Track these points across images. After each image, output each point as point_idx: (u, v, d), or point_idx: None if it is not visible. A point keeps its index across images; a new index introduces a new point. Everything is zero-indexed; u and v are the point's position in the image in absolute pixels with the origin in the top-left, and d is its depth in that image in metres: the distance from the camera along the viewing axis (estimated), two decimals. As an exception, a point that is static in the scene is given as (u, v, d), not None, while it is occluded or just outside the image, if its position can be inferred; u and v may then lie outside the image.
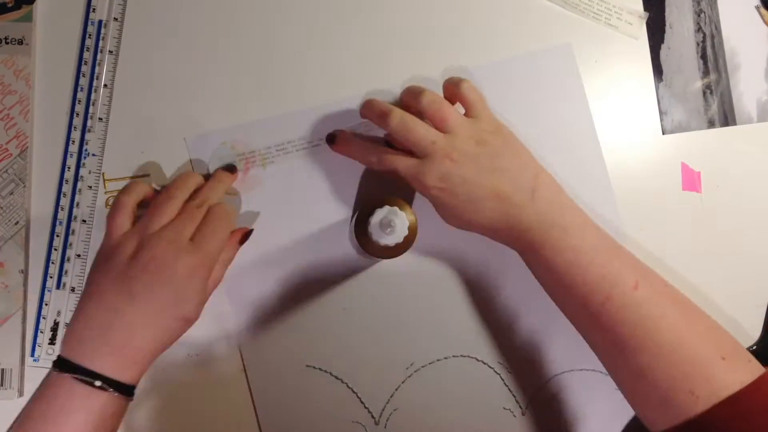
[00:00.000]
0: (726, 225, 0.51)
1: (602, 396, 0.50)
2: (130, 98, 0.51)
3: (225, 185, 0.49)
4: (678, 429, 0.39)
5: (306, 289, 0.50)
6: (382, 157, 0.46)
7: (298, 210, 0.50)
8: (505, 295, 0.50)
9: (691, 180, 0.52)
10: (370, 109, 0.47)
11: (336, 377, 0.50)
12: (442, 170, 0.43)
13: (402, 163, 0.44)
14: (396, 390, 0.50)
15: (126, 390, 0.41)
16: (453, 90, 0.46)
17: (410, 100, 0.46)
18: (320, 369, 0.50)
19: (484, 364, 0.50)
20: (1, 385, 0.49)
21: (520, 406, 0.50)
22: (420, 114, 0.45)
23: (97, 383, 0.40)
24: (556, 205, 0.43)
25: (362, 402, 0.50)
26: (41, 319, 0.50)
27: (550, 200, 0.43)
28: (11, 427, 0.41)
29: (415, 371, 0.50)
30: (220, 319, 0.50)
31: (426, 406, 0.50)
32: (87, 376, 0.40)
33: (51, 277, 0.50)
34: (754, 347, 0.51)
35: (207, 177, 0.49)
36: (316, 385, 0.50)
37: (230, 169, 0.49)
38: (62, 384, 0.40)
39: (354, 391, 0.50)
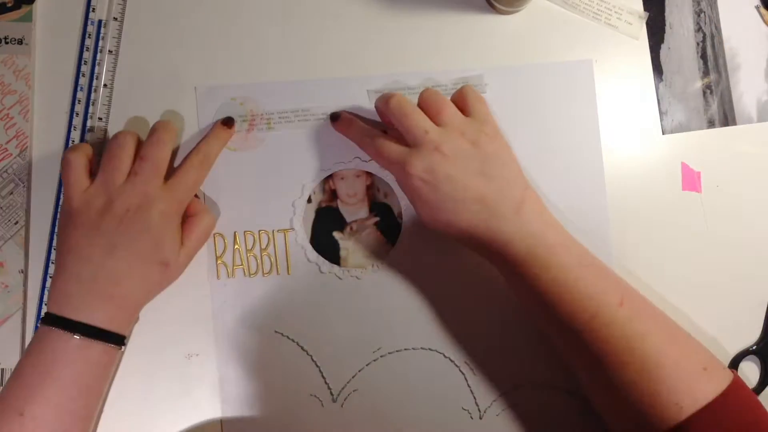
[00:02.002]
0: (726, 225, 0.51)
1: (561, 416, 0.50)
2: (130, 98, 0.51)
3: (221, 140, 0.49)
4: None
5: (287, 257, 0.50)
6: (375, 141, 0.45)
7: (288, 181, 0.51)
8: (484, 297, 0.50)
9: (691, 180, 0.52)
10: (382, 99, 0.47)
11: (302, 348, 0.50)
12: (430, 162, 0.42)
13: (391, 149, 0.44)
14: (359, 371, 0.50)
15: (117, 339, 0.43)
16: (455, 94, 0.47)
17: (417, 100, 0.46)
18: (288, 337, 0.50)
19: (451, 361, 0.50)
20: (1, 385, 0.49)
21: (479, 410, 0.50)
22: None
23: (90, 334, 0.41)
24: (541, 222, 0.43)
25: (324, 377, 0.50)
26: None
27: (535, 216, 0.43)
28: (6, 386, 0.42)
29: (381, 356, 0.50)
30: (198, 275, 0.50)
31: (386, 392, 0.50)
32: (80, 328, 0.41)
33: (51, 277, 0.50)
34: (754, 347, 0.51)
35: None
36: (280, 352, 0.50)
37: (228, 122, 0.49)
38: (56, 338, 0.41)
39: (317, 365, 0.50)
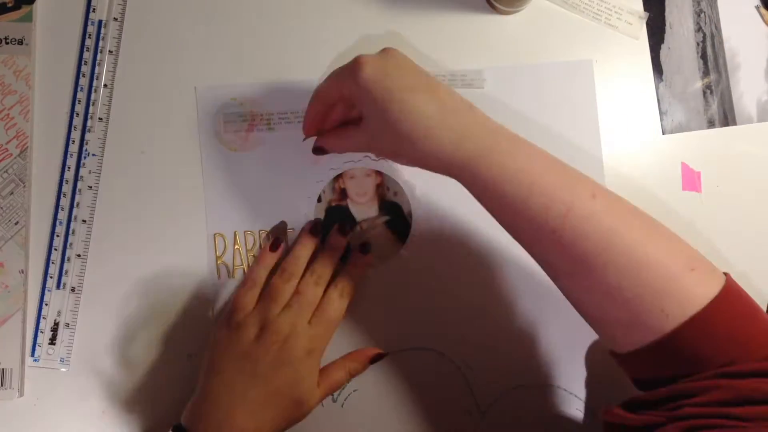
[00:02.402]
0: (726, 225, 0.51)
1: (561, 416, 0.50)
2: (130, 98, 0.51)
3: (338, 251, 0.49)
4: (647, 349, 0.37)
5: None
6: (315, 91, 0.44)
7: (289, 181, 0.51)
8: (484, 296, 0.50)
9: (691, 180, 0.52)
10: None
11: None
12: (381, 59, 0.40)
13: (341, 69, 0.42)
14: None
15: None
16: None
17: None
18: None
19: (451, 361, 0.50)
20: (1, 385, 0.49)
21: (479, 410, 0.50)
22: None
23: None
24: (489, 118, 0.40)
25: None
26: (41, 319, 0.50)
27: (483, 114, 0.41)
28: None
29: None
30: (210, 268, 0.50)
31: (386, 392, 0.50)
32: None
33: (51, 277, 0.50)
34: (754, 347, 0.51)
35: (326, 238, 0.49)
36: None
37: (342, 230, 0.50)
38: None
39: None
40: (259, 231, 0.50)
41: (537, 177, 0.38)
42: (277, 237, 0.49)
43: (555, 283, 0.41)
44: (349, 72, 0.40)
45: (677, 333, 0.36)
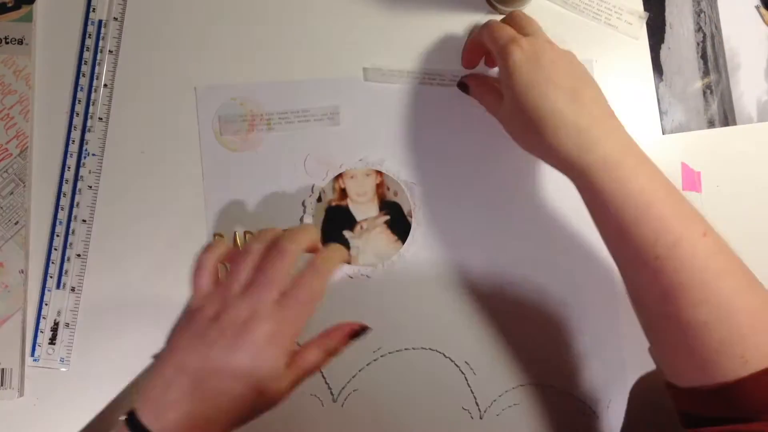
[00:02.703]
0: (726, 225, 0.51)
1: (561, 416, 0.50)
2: (130, 98, 0.51)
3: (340, 253, 0.44)
4: (714, 389, 0.37)
5: None
6: (488, 23, 0.46)
7: (288, 181, 0.51)
8: (484, 297, 0.50)
9: (691, 180, 0.52)
10: (477, 30, 0.47)
11: None
12: (537, 44, 0.42)
13: (503, 29, 0.44)
14: (359, 371, 0.50)
15: None
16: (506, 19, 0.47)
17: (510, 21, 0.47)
18: None
19: (451, 361, 0.50)
20: (1, 385, 0.49)
21: (479, 410, 0.50)
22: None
23: None
24: (625, 132, 0.42)
25: (324, 377, 0.50)
26: (41, 319, 0.50)
27: (622, 129, 0.42)
28: None
29: (381, 356, 0.50)
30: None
31: (386, 392, 0.50)
32: None
33: (51, 277, 0.50)
34: (754, 347, 0.51)
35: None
36: None
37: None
38: None
39: None
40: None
41: (655, 201, 0.39)
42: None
43: (632, 303, 0.41)
44: (500, 53, 0.43)
45: (750, 379, 0.36)
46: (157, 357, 0.42)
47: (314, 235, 0.43)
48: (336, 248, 0.44)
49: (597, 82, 0.43)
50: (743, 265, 0.40)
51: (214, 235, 0.50)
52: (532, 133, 0.42)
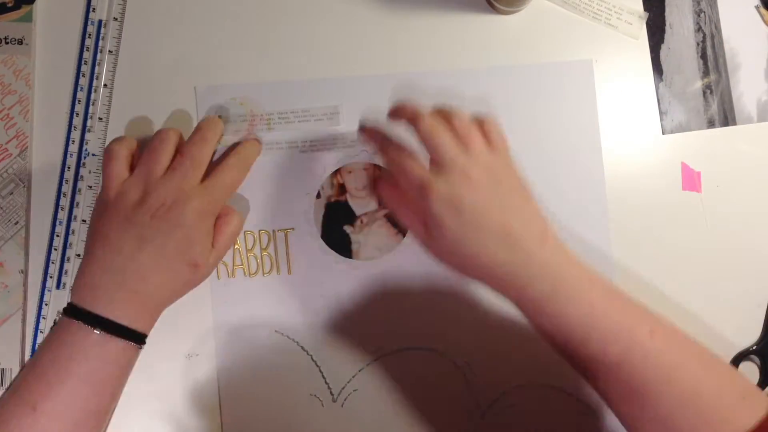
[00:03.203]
0: (726, 225, 0.51)
1: (561, 416, 0.50)
2: (130, 98, 0.51)
3: (257, 147, 0.49)
4: None
5: (288, 256, 0.51)
6: (400, 154, 0.42)
7: (288, 181, 0.51)
8: (484, 295, 0.50)
9: (691, 180, 0.52)
10: (402, 109, 0.43)
11: (302, 348, 0.50)
12: (456, 187, 0.39)
13: (415, 167, 0.41)
14: (359, 371, 0.50)
15: (138, 338, 0.42)
16: (477, 124, 0.43)
17: (441, 118, 0.42)
18: (288, 337, 0.50)
19: (451, 361, 0.50)
20: (1, 385, 0.49)
21: (480, 409, 0.50)
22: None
23: (111, 330, 0.40)
24: (564, 256, 0.41)
25: (324, 377, 0.50)
26: (41, 319, 0.50)
27: (558, 251, 0.41)
28: (21, 376, 0.41)
29: (381, 356, 0.50)
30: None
31: (385, 392, 0.50)
32: (101, 323, 0.40)
33: (51, 277, 0.50)
34: (754, 347, 0.51)
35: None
36: (281, 352, 0.50)
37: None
38: (75, 331, 0.40)
39: (318, 365, 0.50)
40: (259, 231, 0.50)
41: (597, 319, 0.39)
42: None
43: (609, 406, 0.42)
44: (418, 194, 0.40)
45: None
46: (86, 251, 0.43)
47: (222, 126, 0.48)
48: (252, 144, 0.49)
49: (528, 188, 0.42)
50: (697, 346, 0.41)
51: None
52: (466, 268, 0.41)
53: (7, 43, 0.50)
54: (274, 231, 0.51)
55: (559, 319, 0.39)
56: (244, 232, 0.50)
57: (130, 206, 0.42)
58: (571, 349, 0.40)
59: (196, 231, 0.43)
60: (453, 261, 0.41)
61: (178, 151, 0.45)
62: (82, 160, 0.50)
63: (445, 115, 0.42)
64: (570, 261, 0.41)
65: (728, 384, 0.40)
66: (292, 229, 0.50)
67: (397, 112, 0.44)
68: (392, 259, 0.51)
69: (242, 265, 0.50)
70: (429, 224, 0.40)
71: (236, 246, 0.50)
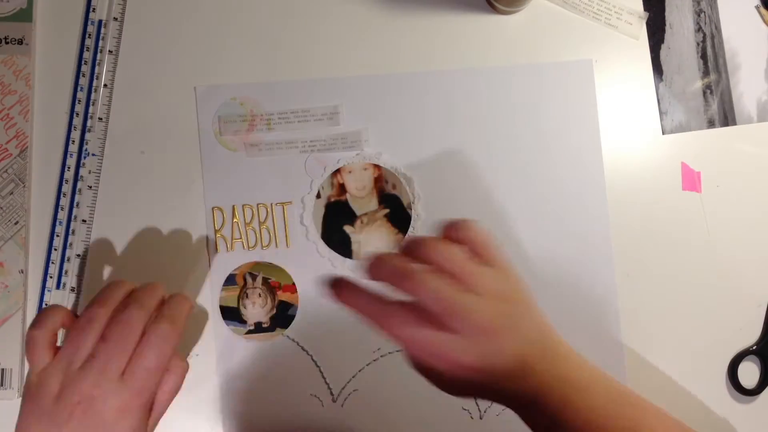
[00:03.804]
0: (726, 225, 0.51)
1: None
2: (130, 98, 0.51)
3: (185, 306, 0.42)
4: None
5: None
6: (408, 328, 0.35)
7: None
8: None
9: (691, 180, 0.52)
10: (383, 267, 0.36)
11: (302, 348, 0.50)
12: (482, 347, 0.35)
13: (435, 339, 0.35)
14: (359, 371, 0.50)
15: None
16: (455, 235, 0.38)
17: (418, 254, 0.37)
18: (288, 337, 0.50)
19: None
20: (1, 385, 0.49)
21: (479, 410, 0.50)
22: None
23: None
24: (573, 362, 0.38)
25: (324, 377, 0.50)
26: (41, 319, 0.50)
27: (563, 361, 0.38)
28: None
29: (381, 356, 0.50)
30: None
31: (386, 392, 0.50)
32: None
33: (51, 277, 0.50)
34: (754, 347, 0.51)
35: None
36: (280, 352, 0.50)
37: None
38: None
39: (318, 365, 0.50)
40: (257, 204, 0.50)
41: (602, 427, 0.37)
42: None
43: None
44: (446, 357, 0.35)
45: None
46: None
47: (161, 293, 0.41)
48: (178, 302, 0.42)
49: (529, 292, 0.38)
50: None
51: (215, 234, 0.50)
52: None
53: (7, 43, 0.50)
54: (272, 204, 0.51)
55: (564, 428, 0.37)
56: (243, 205, 0.50)
57: (49, 400, 0.38)
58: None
59: (119, 428, 0.38)
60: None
61: (106, 326, 0.39)
62: (82, 160, 0.50)
63: (424, 248, 0.36)
64: (576, 367, 0.39)
65: None
66: (290, 203, 0.50)
67: (377, 273, 0.37)
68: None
69: (241, 238, 0.50)
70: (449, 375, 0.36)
71: (235, 219, 0.50)
